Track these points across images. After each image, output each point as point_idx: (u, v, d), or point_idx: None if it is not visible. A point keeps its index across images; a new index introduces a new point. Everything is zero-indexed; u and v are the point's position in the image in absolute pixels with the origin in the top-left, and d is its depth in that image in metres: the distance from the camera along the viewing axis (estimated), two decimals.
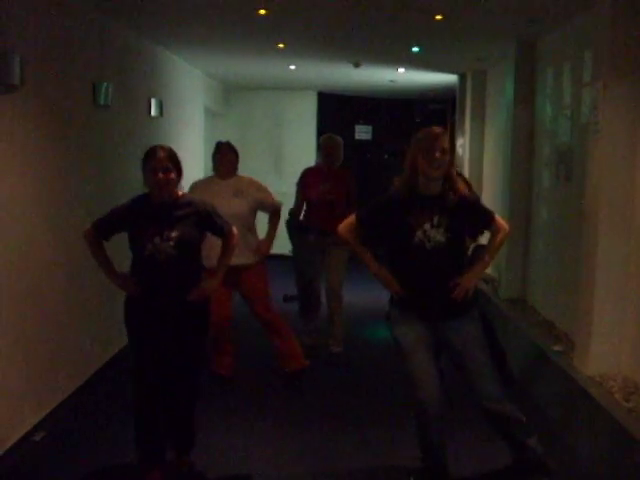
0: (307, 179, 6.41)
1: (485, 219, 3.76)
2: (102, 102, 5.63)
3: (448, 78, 10.00)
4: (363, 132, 12.85)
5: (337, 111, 12.57)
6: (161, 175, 3.66)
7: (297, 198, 6.47)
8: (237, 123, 11.90)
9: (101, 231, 3.87)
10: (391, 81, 10.25)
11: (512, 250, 7.20)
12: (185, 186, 5.54)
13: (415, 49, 7.42)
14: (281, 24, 6.26)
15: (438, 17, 5.73)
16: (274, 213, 5.49)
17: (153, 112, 7.18)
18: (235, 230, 3.99)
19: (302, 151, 12.26)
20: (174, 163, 3.72)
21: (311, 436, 4.60)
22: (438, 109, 12.21)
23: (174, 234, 3.68)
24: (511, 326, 6.46)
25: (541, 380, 5.43)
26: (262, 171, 11.99)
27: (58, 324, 4.93)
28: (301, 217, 6.43)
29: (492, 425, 3.86)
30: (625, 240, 4.71)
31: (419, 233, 3.57)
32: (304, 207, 6.44)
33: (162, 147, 3.78)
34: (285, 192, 11.45)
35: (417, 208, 3.59)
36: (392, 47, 7.48)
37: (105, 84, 5.66)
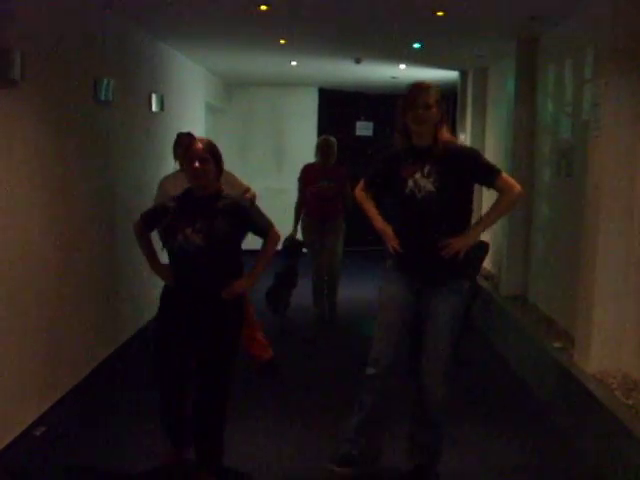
0: (307, 176, 7.36)
1: (485, 173, 3.66)
2: (103, 97, 5.63)
3: (449, 75, 10.00)
4: (364, 128, 12.83)
5: (338, 107, 12.55)
6: (198, 165, 3.67)
7: (300, 192, 7.43)
8: (238, 119, 11.90)
9: (147, 223, 3.92)
10: (392, 77, 10.24)
11: (512, 246, 7.20)
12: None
13: (416, 45, 7.42)
14: (282, 20, 6.26)
15: (439, 13, 5.73)
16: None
17: (154, 107, 7.18)
18: (277, 232, 3.91)
19: (303, 147, 12.21)
20: (212, 154, 3.73)
21: (310, 432, 4.61)
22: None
23: (205, 226, 3.66)
24: (511, 323, 6.46)
25: (541, 377, 5.43)
26: (263, 167, 12.02)
27: (58, 320, 4.93)
28: (302, 212, 7.39)
29: (415, 407, 3.83)
30: (626, 237, 4.71)
31: (410, 182, 3.61)
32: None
33: (202, 138, 3.87)
34: (286, 188, 11.52)
35: (409, 159, 3.65)
36: (393, 43, 7.47)
37: (106, 79, 5.66)
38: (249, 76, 10.88)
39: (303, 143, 12.23)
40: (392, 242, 3.71)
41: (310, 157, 12.40)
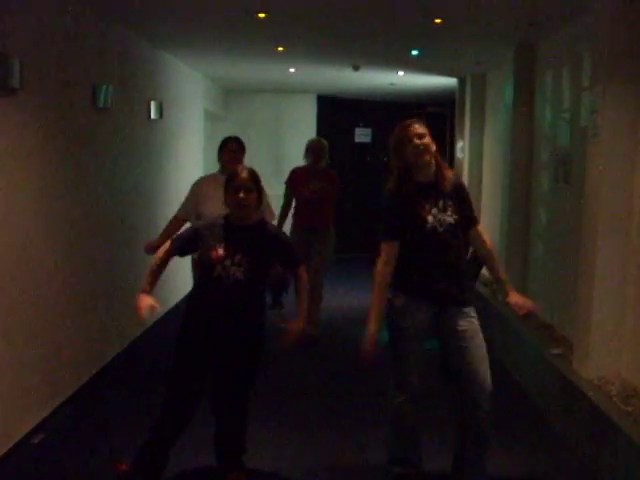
0: (296, 178, 6.98)
1: (470, 218, 3.85)
2: (102, 105, 5.65)
3: (447, 81, 10.02)
4: (363, 135, 12.86)
5: (337, 114, 12.58)
6: (242, 195, 3.64)
7: (286, 196, 6.99)
8: (237, 126, 11.88)
9: (177, 246, 3.81)
10: (391, 84, 10.26)
11: (511, 253, 7.20)
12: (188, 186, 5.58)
13: (414, 52, 7.43)
14: (281, 27, 6.27)
15: (437, 21, 5.75)
16: None
17: (153, 115, 7.19)
18: (306, 272, 3.92)
19: (302, 154, 12.23)
20: (256, 185, 3.72)
21: (310, 435, 4.60)
22: (437, 112, 12.22)
23: (246, 259, 3.64)
24: (510, 329, 6.46)
25: (539, 383, 5.43)
26: (262, 174, 11.88)
27: (57, 326, 4.93)
28: (290, 215, 6.94)
29: (464, 434, 3.78)
30: (624, 244, 4.71)
31: (430, 219, 3.64)
32: (293, 205, 6.98)
33: (245, 167, 3.79)
34: (284, 194, 11.52)
35: (421, 196, 3.65)
36: (391, 50, 7.49)
37: (105, 87, 5.68)
38: (248, 83, 10.90)
39: (302, 150, 12.23)
40: (364, 347, 3.66)
41: None
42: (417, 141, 3.60)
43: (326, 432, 4.70)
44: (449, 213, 3.67)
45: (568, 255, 5.76)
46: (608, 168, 4.68)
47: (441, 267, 3.68)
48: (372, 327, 3.69)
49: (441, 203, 3.67)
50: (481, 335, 3.74)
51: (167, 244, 3.86)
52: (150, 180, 7.27)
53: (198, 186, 5.46)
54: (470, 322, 3.72)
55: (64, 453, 4.32)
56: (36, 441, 4.44)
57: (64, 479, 4.01)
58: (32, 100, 4.50)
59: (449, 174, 3.74)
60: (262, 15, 5.61)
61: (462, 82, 9.94)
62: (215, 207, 4.84)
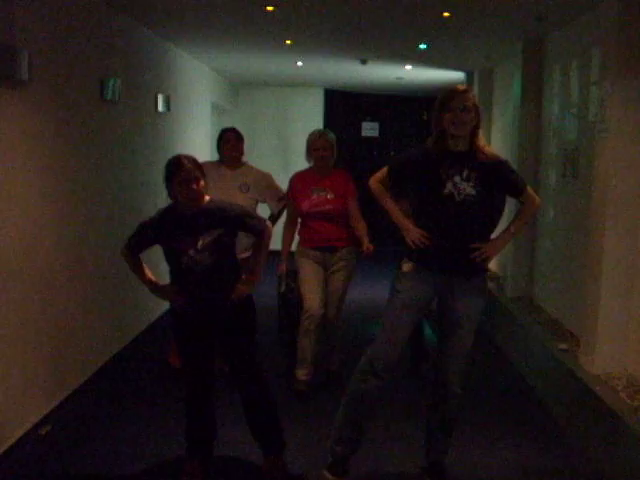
0: (297, 187, 5.27)
1: (517, 186, 3.74)
2: (109, 97, 5.65)
3: (455, 76, 9.99)
4: (370, 129, 12.85)
5: (344, 108, 12.57)
6: (194, 186, 3.63)
7: (289, 212, 5.36)
8: (244, 119, 11.91)
9: (134, 248, 3.83)
10: (398, 78, 10.25)
11: (518, 248, 7.19)
12: None
13: (422, 46, 7.41)
14: (289, 21, 6.26)
15: (446, 14, 5.73)
16: (280, 213, 5.43)
17: (160, 108, 7.20)
18: (269, 224, 3.93)
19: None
20: (201, 170, 3.71)
21: (312, 432, 4.61)
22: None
23: (208, 244, 3.65)
24: (517, 324, 6.46)
25: (546, 378, 5.43)
26: (269, 168, 11.93)
27: (64, 319, 4.95)
28: (296, 234, 5.38)
29: (436, 408, 3.86)
30: (631, 239, 4.70)
31: (449, 185, 3.56)
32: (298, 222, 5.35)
33: (186, 157, 3.75)
34: None
35: (447, 161, 3.59)
36: (399, 44, 7.47)
37: (113, 79, 5.68)
38: (255, 76, 10.89)
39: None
40: (415, 235, 3.63)
41: None
42: (458, 112, 3.52)
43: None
44: (472, 184, 3.56)
45: (575, 250, 5.75)
46: (616, 162, 4.67)
47: (454, 237, 3.60)
48: (400, 219, 3.72)
49: (466, 173, 3.56)
50: (474, 323, 3.71)
51: (124, 245, 3.85)
52: (157, 172, 7.26)
53: None
54: (469, 305, 3.67)
55: (70, 445, 4.33)
56: (43, 433, 4.46)
57: (70, 470, 4.03)
58: (40, 92, 4.51)
59: (485, 148, 3.63)
60: (270, 8, 5.60)
61: (470, 76, 9.92)
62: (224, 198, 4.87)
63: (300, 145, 12.66)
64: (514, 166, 7.08)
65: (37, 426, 4.49)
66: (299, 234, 5.31)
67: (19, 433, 4.31)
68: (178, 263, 3.70)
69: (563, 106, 6.45)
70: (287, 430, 4.11)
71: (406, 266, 3.72)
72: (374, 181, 3.84)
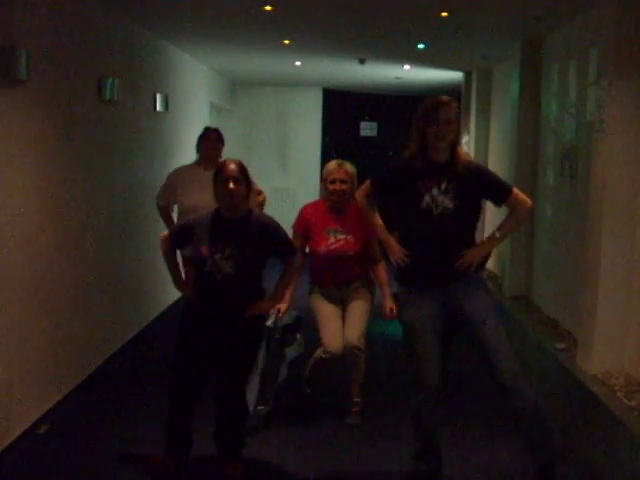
0: (307, 223, 4.63)
1: (500, 191, 3.68)
2: (108, 97, 5.65)
3: (454, 75, 10.00)
4: (368, 129, 12.86)
5: (342, 108, 12.57)
6: (232, 186, 3.64)
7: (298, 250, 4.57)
8: (243, 119, 11.92)
9: (174, 241, 3.89)
10: (397, 78, 10.25)
11: (516, 247, 7.20)
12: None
13: (421, 46, 7.42)
14: (287, 20, 6.27)
15: (444, 14, 5.73)
16: (259, 207, 5.45)
17: (159, 107, 7.19)
18: (301, 257, 3.97)
19: (307, 147, 12.27)
20: (245, 176, 3.72)
21: (314, 431, 4.60)
22: None
23: (235, 253, 3.66)
24: (514, 323, 6.47)
25: (544, 378, 5.43)
26: (267, 167, 12.02)
27: (62, 318, 4.94)
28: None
29: (509, 408, 3.67)
30: (629, 238, 4.71)
31: (427, 197, 3.55)
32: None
33: (232, 160, 3.78)
34: (291, 188, 11.54)
35: (425, 173, 3.57)
36: (397, 44, 7.48)
37: (111, 79, 5.68)
38: (254, 76, 10.90)
39: (308, 143, 12.27)
40: (397, 254, 3.64)
41: (314, 158, 12.49)
42: (442, 126, 3.50)
43: (331, 426, 4.71)
44: (450, 197, 3.53)
45: (573, 249, 5.76)
46: (614, 162, 4.67)
47: (434, 249, 3.59)
48: (384, 236, 3.73)
49: (444, 185, 3.54)
50: (489, 307, 3.63)
51: (165, 235, 3.92)
52: (156, 172, 7.27)
53: (175, 177, 5.47)
54: (477, 301, 3.62)
55: (69, 443, 4.33)
56: (41, 431, 4.45)
57: (69, 469, 4.02)
58: (38, 92, 4.50)
59: (463, 159, 3.62)
60: (268, 8, 5.60)
61: (468, 76, 9.93)
62: (195, 198, 4.93)
63: (298, 145, 12.72)
64: (513, 165, 7.13)
65: (35, 424, 4.49)
66: (311, 271, 4.75)
67: (17, 432, 4.31)
68: (202, 265, 3.70)
69: (561, 106, 6.46)
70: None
71: (401, 294, 3.74)
72: (360, 196, 3.85)
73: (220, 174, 3.70)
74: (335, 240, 4.55)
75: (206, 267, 3.67)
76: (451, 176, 3.56)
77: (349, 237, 4.55)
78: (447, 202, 3.54)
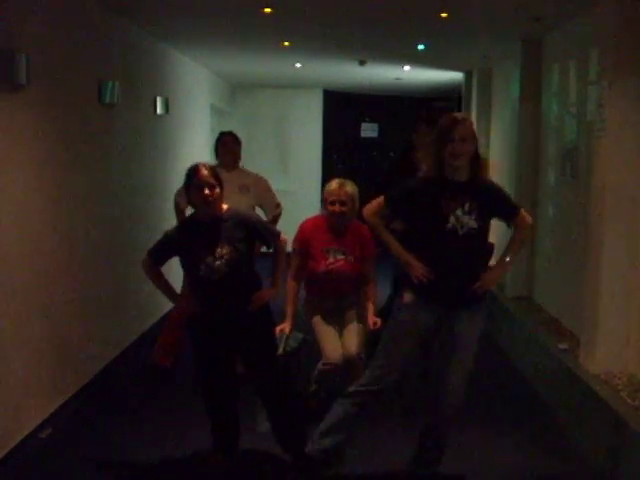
0: (307, 241, 4.59)
1: (510, 212, 3.77)
2: (108, 100, 5.65)
3: (454, 76, 10.00)
4: (369, 130, 12.85)
5: (343, 109, 12.57)
6: (207, 191, 3.68)
7: (294, 264, 4.65)
8: (243, 121, 11.91)
9: (156, 258, 3.90)
10: (397, 79, 10.25)
11: None
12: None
13: (421, 47, 7.41)
14: (286, 22, 6.27)
15: (443, 15, 5.73)
16: (274, 220, 5.48)
17: (159, 110, 7.19)
18: (284, 238, 3.98)
19: (308, 149, 12.27)
20: (217, 179, 3.75)
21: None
22: (444, 107, 12.21)
23: (225, 251, 3.70)
24: (517, 324, 6.46)
25: (546, 378, 5.43)
26: (268, 169, 11.92)
27: (64, 322, 4.94)
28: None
29: (432, 426, 3.86)
30: (630, 237, 4.70)
31: (452, 218, 3.56)
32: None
33: (203, 165, 3.81)
34: (292, 190, 11.52)
35: (447, 194, 3.58)
36: (397, 45, 7.48)
37: (111, 82, 5.68)
38: (254, 78, 10.90)
39: (308, 145, 12.27)
40: (419, 272, 3.61)
41: (315, 160, 12.49)
42: (457, 144, 3.51)
43: None
44: (474, 217, 3.58)
45: (575, 249, 5.75)
46: (615, 162, 4.67)
47: (456, 270, 3.61)
48: (403, 255, 3.67)
49: (467, 206, 3.57)
50: (474, 345, 3.74)
51: (145, 258, 3.91)
52: (156, 175, 7.27)
53: None
54: (469, 327, 3.70)
55: (71, 447, 4.34)
56: (43, 436, 4.46)
57: (71, 473, 4.03)
58: (38, 96, 4.50)
59: (483, 177, 3.67)
60: (268, 10, 5.60)
61: (469, 76, 9.92)
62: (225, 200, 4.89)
63: (299, 147, 12.71)
64: (514, 165, 7.12)
65: (38, 429, 4.49)
66: (307, 287, 4.77)
67: (20, 436, 4.30)
68: (196, 271, 3.74)
69: (562, 106, 6.45)
70: None
71: (407, 297, 3.71)
72: (371, 214, 3.79)
73: (193, 180, 3.73)
74: (334, 260, 4.56)
75: (200, 271, 3.71)
76: (473, 196, 3.59)
77: (349, 257, 4.58)
78: (472, 222, 3.58)
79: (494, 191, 3.74)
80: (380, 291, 4.87)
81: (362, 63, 8.57)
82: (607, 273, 4.73)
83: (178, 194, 5.57)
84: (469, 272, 3.64)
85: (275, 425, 4.01)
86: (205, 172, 3.72)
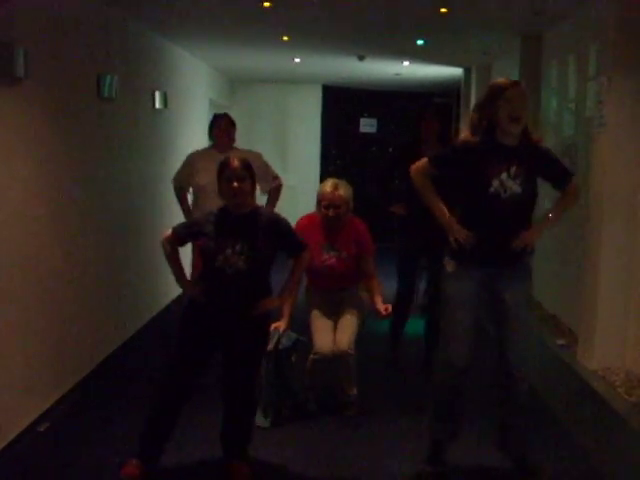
0: (303, 237, 4.24)
1: (561, 176, 3.73)
2: (106, 95, 5.64)
3: (453, 71, 9.99)
4: (368, 125, 12.84)
5: (342, 104, 12.57)
6: (236, 184, 3.65)
7: None
8: (242, 116, 11.84)
9: (179, 235, 3.86)
10: (396, 74, 10.24)
11: None
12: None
13: (420, 42, 7.40)
14: (285, 17, 6.26)
15: (443, 10, 5.72)
16: (274, 191, 5.57)
17: (157, 105, 7.19)
18: (308, 255, 3.97)
19: (307, 144, 12.26)
20: (249, 173, 3.72)
21: (315, 429, 4.61)
22: (443, 103, 12.21)
23: (247, 248, 3.66)
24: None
25: (544, 374, 5.43)
26: None
27: (62, 316, 4.94)
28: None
29: (504, 395, 3.86)
30: (629, 234, 4.70)
31: (495, 182, 3.50)
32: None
33: (237, 157, 3.79)
34: (291, 185, 11.50)
35: (494, 157, 3.52)
36: (397, 40, 7.47)
37: (109, 76, 5.67)
38: (253, 73, 10.89)
39: (307, 140, 12.27)
40: (461, 235, 3.57)
41: (314, 155, 12.48)
42: (518, 106, 3.43)
43: (332, 424, 4.70)
44: (519, 182, 3.51)
45: (573, 245, 5.75)
46: (613, 158, 4.66)
47: (498, 233, 3.57)
48: (444, 217, 3.62)
49: (513, 170, 3.51)
50: (525, 302, 3.75)
51: (169, 233, 3.87)
52: (155, 169, 7.27)
53: (191, 159, 5.73)
54: (516, 290, 3.67)
55: (69, 441, 4.34)
56: (41, 429, 4.46)
57: (69, 467, 4.03)
58: (36, 89, 4.49)
59: (533, 141, 3.60)
60: (267, 4, 5.59)
61: (468, 72, 9.92)
62: (208, 177, 4.93)
63: (298, 141, 12.69)
64: None
65: (36, 423, 4.49)
66: (307, 278, 4.83)
67: (18, 429, 4.31)
68: (212, 261, 3.69)
69: (561, 101, 6.45)
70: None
71: (450, 266, 3.69)
72: (418, 174, 3.70)
73: (224, 172, 3.70)
74: (329, 257, 4.68)
75: (217, 262, 3.67)
76: (521, 160, 3.52)
77: (343, 254, 4.69)
78: (516, 187, 3.53)
79: (545, 155, 3.68)
80: (385, 286, 4.88)
81: (361, 58, 8.56)
82: (605, 269, 4.73)
83: (174, 177, 5.76)
84: (509, 233, 3.57)
85: (225, 426, 3.92)
86: (236, 164, 3.69)
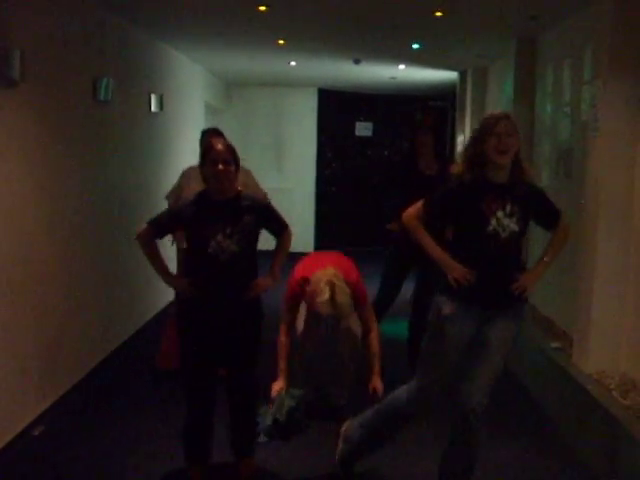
0: (299, 297, 4.37)
1: (552, 216, 3.71)
2: (102, 97, 5.64)
3: (448, 75, 10.00)
4: (363, 129, 12.84)
5: (337, 108, 12.56)
6: (221, 167, 3.60)
7: (285, 319, 4.40)
8: (238, 119, 11.90)
9: (157, 229, 3.73)
10: (392, 78, 10.25)
11: None
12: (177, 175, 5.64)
13: (415, 46, 7.42)
14: (281, 20, 6.26)
15: (438, 14, 5.73)
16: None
17: (153, 107, 7.19)
18: (291, 230, 3.95)
19: (303, 147, 12.26)
20: (233, 156, 3.68)
21: (316, 434, 4.60)
22: (439, 106, 12.22)
23: (237, 231, 3.62)
24: None
25: (539, 377, 5.44)
26: (263, 167, 11.96)
27: (58, 319, 4.94)
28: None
29: (458, 443, 3.66)
30: (624, 238, 4.71)
31: (493, 221, 3.48)
32: None
33: (221, 141, 3.75)
34: (286, 188, 11.53)
35: (489, 196, 3.48)
36: (392, 44, 7.48)
37: (105, 79, 5.67)
38: (248, 76, 10.89)
39: (303, 143, 12.26)
40: (460, 274, 3.51)
41: (310, 158, 12.47)
42: (503, 138, 3.41)
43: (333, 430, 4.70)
44: (515, 220, 3.49)
45: (568, 249, 5.75)
46: (608, 162, 4.68)
47: (496, 272, 3.54)
48: (443, 258, 3.55)
49: (509, 207, 3.48)
50: (507, 349, 3.66)
51: (143, 227, 3.73)
52: (151, 172, 7.27)
53: (184, 177, 5.53)
54: (504, 330, 3.60)
55: (64, 445, 4.33)
56: (36, 433, 4.45)
57: (64, 471, 4.02)
58: (32, 92, 4.49)
59: (526, 178, 3.56)
60: (263, 8, 5.60)
61: (463, 76, 9.93)
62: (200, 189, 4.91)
63: (294, 145, 12.67)
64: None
65: (30, 427, 4.48)
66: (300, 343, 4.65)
67: (12, 434, 4.30)
68: (204, 249, 3.61)
69: (556, 105, 6.46)
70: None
71: (448, 308, 3.56)
72: (410, 218, 3.68)
73: (209, 154, 3.64)
74: (326, 324, 4.53)
75: (210, 249, 3.60)
76: (514, 198, 3.50)
77: (340, 322, 4.49)
78: (513, 225, 3.49)
79: (535, 194, 3.65)
80: (370, 287, 4.86)
81: (357, 62, 8.58)
82: (600, 273, 4.74)
83: (169, 196, 5.55)
84: (510, 275, 3.55)
85: (235, 424, 3.91)
86: (221, 147, 3.64)
